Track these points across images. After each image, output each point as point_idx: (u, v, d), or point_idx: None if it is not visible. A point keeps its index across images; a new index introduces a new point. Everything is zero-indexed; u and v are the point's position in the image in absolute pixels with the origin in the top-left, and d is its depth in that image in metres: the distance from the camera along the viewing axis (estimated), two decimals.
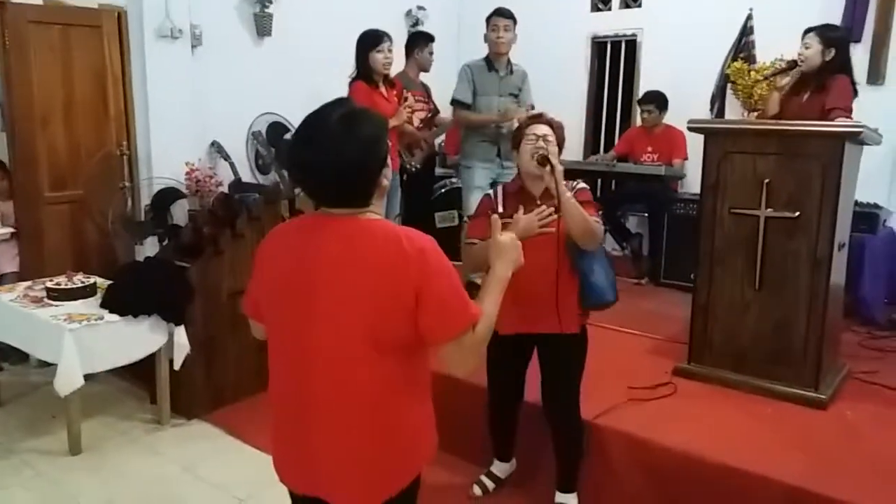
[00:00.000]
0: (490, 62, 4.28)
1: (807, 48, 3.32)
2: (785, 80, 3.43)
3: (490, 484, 2.84)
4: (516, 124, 2.51)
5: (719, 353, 3.14)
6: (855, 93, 3.35)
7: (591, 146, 6.39)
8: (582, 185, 2.58)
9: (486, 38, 4.27)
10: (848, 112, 3.21)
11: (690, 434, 2.70)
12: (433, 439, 1.65)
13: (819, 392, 2.95)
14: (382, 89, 4.04)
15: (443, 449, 2.96)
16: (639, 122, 5.57)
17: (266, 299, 1.59)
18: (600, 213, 2.57)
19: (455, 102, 4.35)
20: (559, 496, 2.69)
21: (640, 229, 5.56)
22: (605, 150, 6.20)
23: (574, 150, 6.17)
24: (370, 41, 3.97)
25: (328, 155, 1.43)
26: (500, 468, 2.88)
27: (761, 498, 2.42)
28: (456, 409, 3.02)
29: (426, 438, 1.63)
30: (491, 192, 2.64)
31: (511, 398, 2.72)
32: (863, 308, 4.06)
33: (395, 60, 4.25)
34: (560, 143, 2.55)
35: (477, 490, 2.82)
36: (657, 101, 5.26)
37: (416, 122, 4.78)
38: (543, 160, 2.40)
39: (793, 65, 3.37)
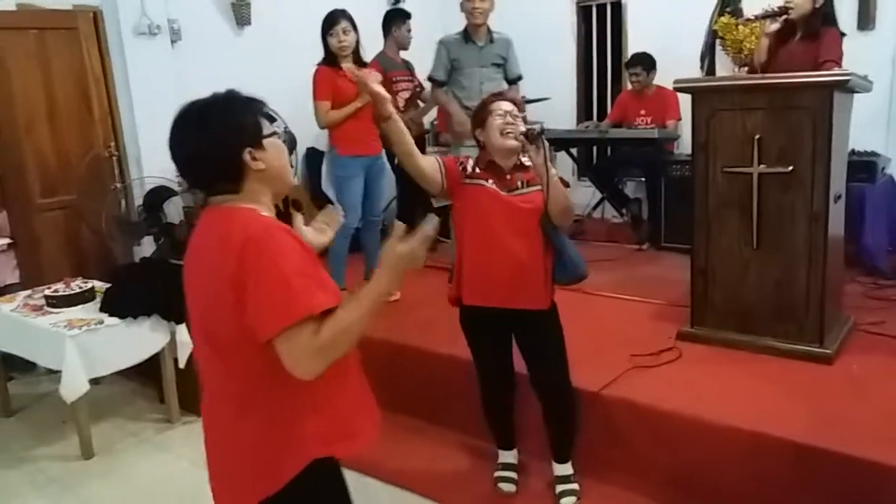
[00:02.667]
0: (468, 34, 4.15)
1: None
2: (773, 27, 3.37)
3: (513, 474, 2.77)
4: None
5: (721, 314, 3.12)
6: (842, 36, 3.30)
7: (583, 113, 6.34)
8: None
9: (462, 8, 4.13)
10: (839, 63, 3.16)
11: (697, 398, 2.68)
12: (297, 451, 1.47)
13: (824, 347, 2.93)
14: (348, 70, 3.95)
15: (462, 432, 3.04)
16: (629, 86, 5.51)
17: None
18: (568, 188, 2.54)
19: (430, 80, 4.29)
20: (558, 468, 2.69)
21: (639, 194, 5.53)
22: (599, 117, 6.16)
23: (566, 117, 6.13)
24: (325, 24, 3.87)
25: (182, 137, 1.45)
26: (509, 456, 2.82)
27: (771, 457, 2.41)
28: (457, 388, 3.04)
29: (295, 440, 1.47)
30: (464, 158, 2.56)
31: (505, 379, 2.69)
32: (866, 258, 4.02)
33: (373, 40, 4.17)
34: (523, 119, 2.53)
35: (509, 487, 2.73)
36: (643, 62, 5.20)
37: (401, 102, 4.74)
38: (534, 136, 2.35)
39: (784, 11, 3.31)
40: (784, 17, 3.33)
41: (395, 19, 4.78)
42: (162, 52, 4.42)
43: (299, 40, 4.65)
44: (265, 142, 1.48)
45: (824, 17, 3.28)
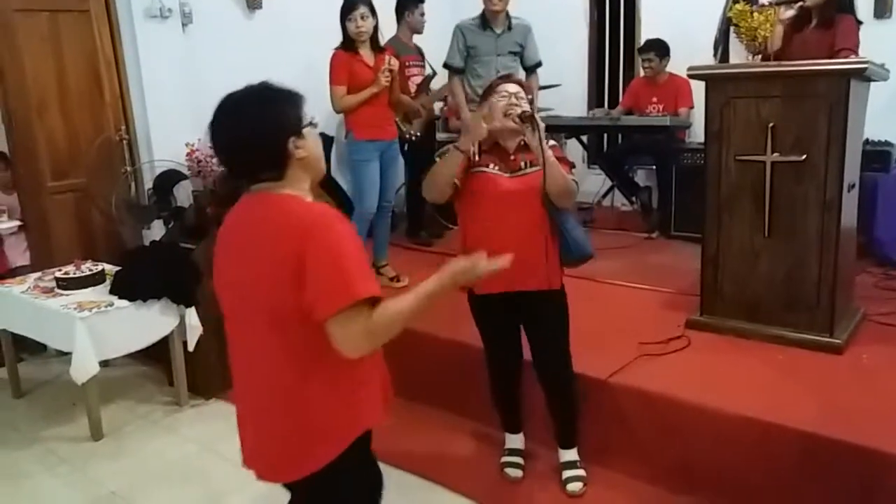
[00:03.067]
0: (485, 20, 4.07)
1: None
2: (788, 13, 3.33)
3: (520, 460, 2.78)
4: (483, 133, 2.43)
5: (731, 302, 3.11)
6: (859, 24, 3.26)
7: (594, 99, 6.29)
8: (552, 142, 2.53)
9: None
10: (856, 52, 3.12)
11: (705, 386, 2.68)
12: (352, 422, 1.59)
13: (834, 337, 2.91)
14: (364, 56, 3.92)
15: (468, 417, 3.05)
16: (641, 72, 5.47)
17: (215, 278, 1.67)
18: (574, 169, 2.54)
19: (447, 66, 4.21)
20: (564, 454, 2.70)
21: (649, 182, 5.50)
22: (610, 104, 6.11)
23: (578, 104, 6.09)
24: (343, 9, 3.85)
25: (225, 128, 1.53)
26: (516, 440, 2.83)
27: (779, 447, 2.41)
28: (473, 376, 3.04)
29: (348, 412, 1.58)
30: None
31: (514, 361, 2.69)
32: (878, 249, 4.00)
33: (387, 25, 4.13)
34: (530, 104, 2.50)
35: (515, 472, 2.74)
36: (657, 48, 5.16)
37: (412, 87, 4.72)
38: (527, 117, 2.35)
39: None
40: (799, 4, 3.29)
41: (409, 4, 4.75)
42: (173, 36, 4.40)
43: (310, 25, 4.66)
44: (304, 131, 1.56)
45: (840, 4, 3.24)
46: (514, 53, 4.14)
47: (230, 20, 4.79)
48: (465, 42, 4.07)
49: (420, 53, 4.86)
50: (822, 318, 2.91)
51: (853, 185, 3.00)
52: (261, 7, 4.90)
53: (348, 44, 3.87)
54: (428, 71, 4.90)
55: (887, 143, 4.19)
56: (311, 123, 1.59)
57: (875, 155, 3.99)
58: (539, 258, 2.45)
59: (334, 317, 1.42)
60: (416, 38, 4.90)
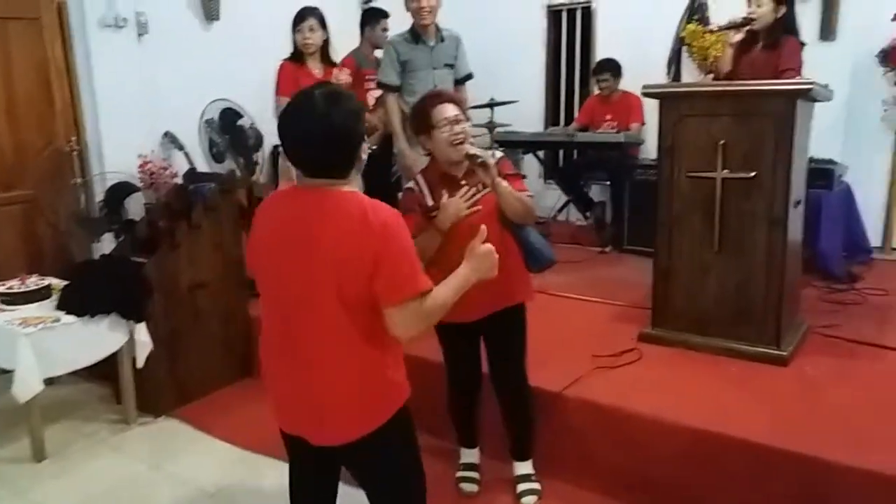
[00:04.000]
0: (416, 34, 3.84)
1: (759, 6, 3.32)
2: (738, 37, 3.43)
3: (475, 474, 2.77)
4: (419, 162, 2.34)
5: (682, 316, 3.17)
6: (802, 45, 3.37)
7: (550, 116, 6.38)
8: (499, 153, 2.51)
9: (407, 7, 3.82)
10: (799, 72, 3.23)
11: (656, 399, 2.72)
12: (405, 381, 1.83)
13: (780, 349, 2.98)
14: (312, 68, 3.89)
15: (422, 431, 3.00)
16: (596, 91, 5.57)
17: (256, 261, 1.81)
18: (525, 180, 2.57)
19: (382, 85, 3.97)
20: (518, 467, 2.70)
21: (603, 197, 5.58)
22: (566, 121, 6.20)
23: (534, 121, 6.17)
24: (294, 21, 3.86)
25: (315, 124, 1.64)
26: (471, 455, 2.82)
27: (728, 457, 2.45)
28: (431, 392, 3.03)
29: (399, 379, 1.80)
30: (412, 184, 2.49)
31: (474, 382, 2.69)
32: (822, 263, 4.10)
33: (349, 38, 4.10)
34: (465, 116, 2.46)
35: (471, 487, 2.73)
36: (611, 69, 5.27)
37: (371, 101, 4.72)
38: (474, 159, 2.32)
39: (748, 22, 3.37)
40: (748, 27, 3.39)
41: (371, 19, 4.77)
42: (128, 46, 4.33)
43: (268, 37, 4.62)
44: (365, 135, 1.77)
45: (785, 27, 3.35)
46: (450, 66, 3.97)
47: (187, 31, 4.73)
48: (398, 57, 3.86)
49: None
50: (768, 331, 2.98)
51: (799, 202, 3.09)
52: (219, 18, 4.86)
53: (296, 55, 3.86)
54: None
55: (831, 162, 4.32)
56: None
57: (819, 173, 4.10)
58: (507, 278, 2.44)
59: (396, 306, 1.65)
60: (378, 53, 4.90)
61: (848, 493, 2.26)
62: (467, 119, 2.47)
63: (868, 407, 2.62)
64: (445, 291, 1.76)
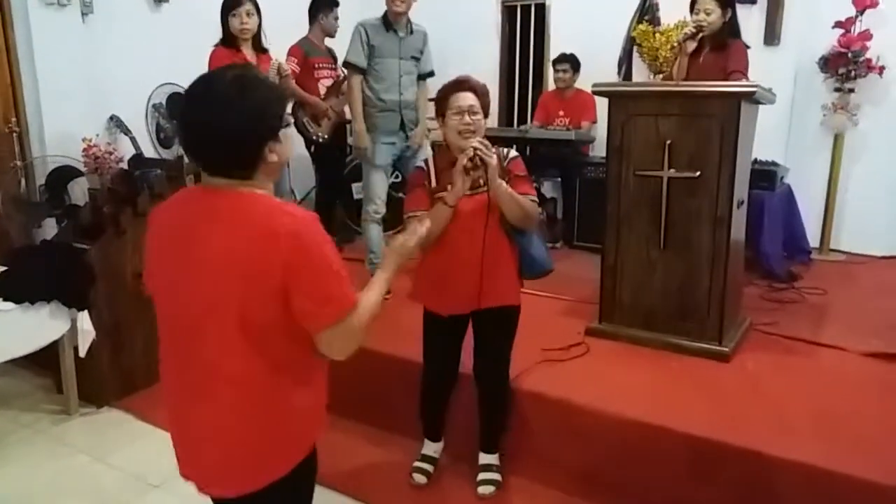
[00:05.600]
0: (387, 21, 3.85)
1: (708, 14, 3.40)
2: (692, 46, 3.52)
3: (430, 467, 2.78)
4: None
5: (628, 311, 3.24)
6: (747, 49, 3.47)
7: (505, 112, 6.41)
8: (514, 153, 2.55)
9: None
10: (745, 74, 3.32)
11: (602, 391, 2.77)
12: (317, 427, 1.61)
13: (722, 345, 3.08)
14: (247, 54, 3.83)
15: (377, 426, 3.02)
16: (551, 85, 5.62)
17: (151, 277, 1.56)
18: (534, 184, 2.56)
19: (348, 65, 3.91)
20: (485, 457, 2.73)
21: (554, 194, 5.65)
22: (520, 116, 6.25)
23: (489, 117, 6.18)
24: (227, 5, 3.77)
25: (211, 116, 1.39)
26: (433, 448, 2.83)
27: (669, 450, 2.52)
28: (388, 386, 3.04)
29: (309, 421, 1.58)
30: (422, 163, 2.55)
31: (450, 377, 2.71)
32: (763, 262, 4.23)
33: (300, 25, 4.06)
34: (486, 110, 2.46)
35: (421, 478, 2.73)
36: (571, 61, 5.34)
37: (322, 90, 4.68)
38: (475, 165, 2.33)
39: (699, 30, 3.44)
40: (700, 35, 3.47)
41: (322, 6, 4.71)
42: (71, 26, 4.20)
43: (219, 21, 4.54)
44: (281, 134, 1.48)
45: (731, 30, 3.44)
46: (416, 59, 4.00)
47: (135, 12, 4.62)
48: (368, 40, 3.84)
49: (332, 56, 4.82)
50: (711, 327, 3.07)
51: (742, 202, 3.18)
52: (167, 1, 4.75)
53: (230, 41, 3.79)
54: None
55: (774, 164, 4.46)
56: (287, 124, 1.51)
57: (763, 174, 4.24)
58: (501, 275, 2.47)
59: (326, 331, 1.45)
60: (328, 42, 4.86)
61: (785, 484, 2.34)
62: (486, 112, 2.46)
63: (803, 402, 2.72)
64: (372, 299, 1.56)
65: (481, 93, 2.44)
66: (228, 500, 1.54)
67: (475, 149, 2.31)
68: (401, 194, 4.22)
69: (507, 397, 2.72)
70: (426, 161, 2.55)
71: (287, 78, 3.97)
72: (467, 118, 2.36)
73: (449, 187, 2.38)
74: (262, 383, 1.46)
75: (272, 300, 1.40)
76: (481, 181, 2.39)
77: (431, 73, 4.11)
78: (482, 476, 2.70)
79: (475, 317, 2.58)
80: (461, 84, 2.43)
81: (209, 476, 1.54)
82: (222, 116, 1.38)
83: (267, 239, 1.38)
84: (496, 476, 2.70)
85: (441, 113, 2.44)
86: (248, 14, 3.76)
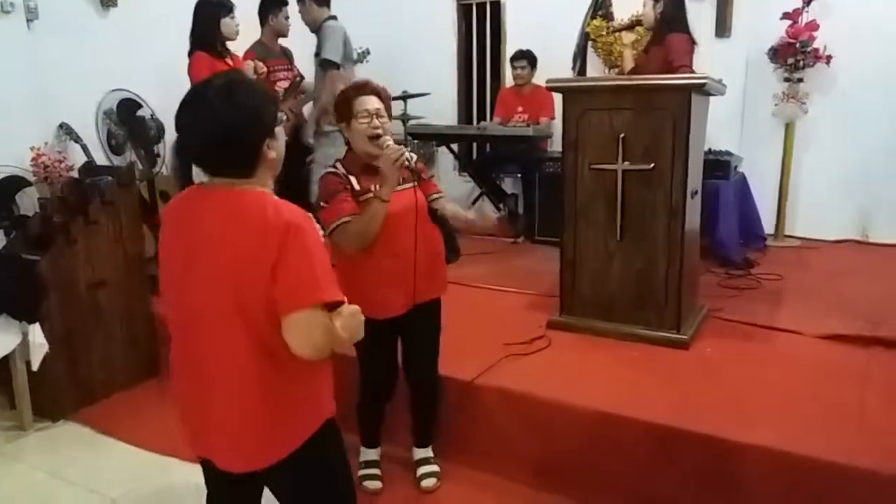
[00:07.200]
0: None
1: (644, 6, 3.46)
2: (632, 38, 3.57)
3: (378, 471, 2.72)
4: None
5: (588, 303, 3.26)
6: (693, 43, 3.52)
7: (463, 110, 6.43)
8: (414, 156, 2.45)
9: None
10: (690, 66, 3.37)
11: (565, 384, 2.78)
12: (327, 398, 1.71)
13: (681, 333, 3.11)
14: (228, 59, 3.81)
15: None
16: (509, 81, 5.65)
17: (161, 273, 1.67)
18: (438, 173, 2.62)
19: (329, 63, 4.10)
20: (419, 452, 2.74)
21: (515, 189, 5.67)
22: (479, 112, 6.28)
23: (448, 112, 6.20)
24: (222, 7, 3.73)
25: (206, 120, 1.50)
26: (374, 453, 2.76)
27: (631, 438, 2.54)
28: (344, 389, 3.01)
29: (316, 397, 1.68)
30: (332, 168, 2.44)
31: (392, 384, 2.66)
32: (720, 250, 4.30)
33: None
34: (389, 113, 2.44)
35: (375, 484, 2.67)
36: (528, 57, 5.38)
37: (280, 93, 4.63)
38: (413, 172, 2.35)
39: (637, 22, 3.50)
40: (636, 27, 3.52)
41: (272, 7, 4.65)
42: (16, 32, 4.08)
43: (169, 26, 4.46)
44: (276, 131, 1.58)
45: (668, 24, 3.49)
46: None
47: (82, 17, 4.50)
48: (345, 39, 4.06)
49: (287, 57, 4.77)
50: (669, 315, 3.11)
51: (696, 192, 3.22)
52: (116, 5, 4.64)
53: (214, 45, 3.73)
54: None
55: (727, 153, 4.54)
56: (281, 122, 1.61)
57: (717, 164, 4.31)
58: (435, 266, 2.48)
59: (292, 314, 1.48)
60: (282, 41, 4.81)
61: (747, 468, 2.36)
62: (390, 115, 2.44)
63: (761, 386, 2.76)
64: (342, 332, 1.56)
65: (385, 96, 2.43)
66: (249, 474, 1.64)
67: (406, 159, 2.29)
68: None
69: (438, 392, 2.71)
70: (336, 166, 2.43)
71: (262, 77, 3.93)
72: (375, 121, 2.33)
73: (373, 187, 2.31)
74: (263, 366, 1.54)
75: (263, 286, 1.47)
76: (402, 178, 2.37)
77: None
78: (422, 470, 2.69)
79: (407, 315, 2.49)
80: (364, 88, 2.40)
81: (229, 453, 1.63)
82: (221, 121, 1.49)
83: (264, 230, 1.47)
84: (434, 468, 2.71)
85: (346, 118, 2.37)
86: (233, 19, 3.73)
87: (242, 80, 1.60)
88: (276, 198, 1.56)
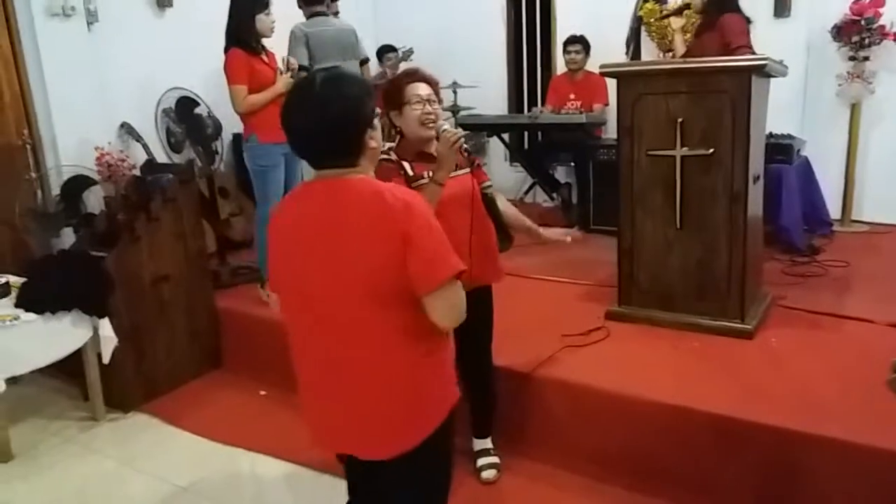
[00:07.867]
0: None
1: None
2: (681, 22, 3.47)
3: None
4: None
5: (647, 293, 3.21)
6: (748, 21, 3.41)
7: (514, 99, 6.38)
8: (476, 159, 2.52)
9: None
10: (749, 47, 3.26)
11: (624, 375, 2.75)
12: (454, 384, 1.76)
13: (745, 323, 3.03)
14: (263, 55, 3.82)
15: None
16: (560, 68, 5.58)
17: (276, 269, 1.70)
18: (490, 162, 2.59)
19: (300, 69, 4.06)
20: (479, 443, 2.74)
21: (569, 178, 5.61)
22: (530, 101, 6.22)
23: (498, 102, 6.17)
24: (257, 4, 3.73)
25: (312, 114, 1.55)
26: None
27: (695, 431, 2.49)
28: None
29: (447, 381, 1.72)
30: (386, 156, 2.40)
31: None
32: (784, 236, 4.18)
33: None
34: (439, 99, 2.44)
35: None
36: (583, 42, 5.33)
37: None
38: (468, 157, 2.37)
39: (685, 6, 3.40)
40: (685, 11, 3.42)
41: (256, 6, 4.65)
42: (78, 35, 4.23)
43: (222, 22, 4.54)
44: (375, 121, 1.64)
45: (721, 4, 3.38)
46: None
47: (139, 19, 4.64)
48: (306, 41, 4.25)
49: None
50: (732, 305, 3.03)
51: (758, 177, 3.13)
52: (171, 5, 4.77)
53: (249, 41, 3.75)
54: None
55: (790, 137, 4.39)
56: (378, 114, 1.66)
57: (779, 148, 4.17)
58: (491, 253, 2.48)
59: (436, 290, 1.53)
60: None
61: (812, 461, 2.31)
62: (440, 102, 2.45)
63: (830, 376, 2.68)
64: None
65: (434, 82, 2.44)
66: (379, 463, 1.67)
67: (430, 116, 2.33)
68: None
69: (494, 381, 2.71)
70: (389, 153, 2.42)
71: (294, 71, 3.94)
72: (428, 107, 2.34)
73: (427, 173, 2.32)
74: (400, 349, 1.59)
75: (396, 268, 1.51)
76: (457, 164, 2.37)
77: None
78: (482, 461, 2.70)
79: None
80: (414, 75, 2.41)
81: (370, 440, 1.66)
82: (331, 112, 1.54)
83: (385, 213, 1.51)
84: (494, 459, 2.71)
85: (397, 105, 2.38)
86: (269, 15, 3.76)
87: (345, 73, 1.66)
88: (383, 183, 1.61)
